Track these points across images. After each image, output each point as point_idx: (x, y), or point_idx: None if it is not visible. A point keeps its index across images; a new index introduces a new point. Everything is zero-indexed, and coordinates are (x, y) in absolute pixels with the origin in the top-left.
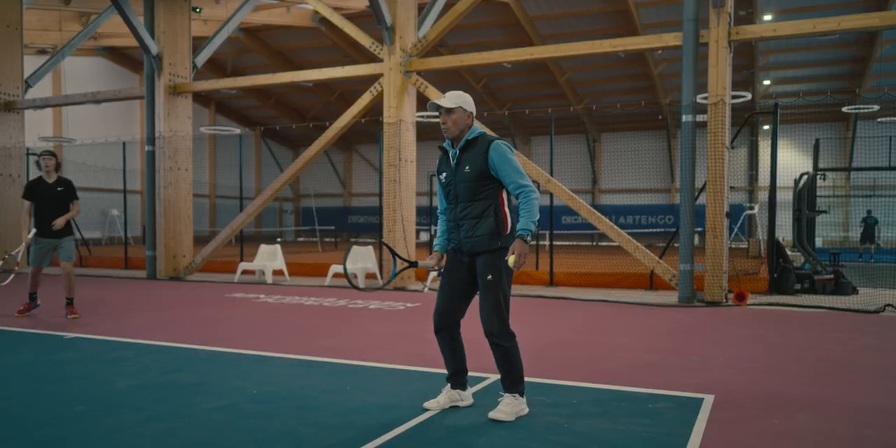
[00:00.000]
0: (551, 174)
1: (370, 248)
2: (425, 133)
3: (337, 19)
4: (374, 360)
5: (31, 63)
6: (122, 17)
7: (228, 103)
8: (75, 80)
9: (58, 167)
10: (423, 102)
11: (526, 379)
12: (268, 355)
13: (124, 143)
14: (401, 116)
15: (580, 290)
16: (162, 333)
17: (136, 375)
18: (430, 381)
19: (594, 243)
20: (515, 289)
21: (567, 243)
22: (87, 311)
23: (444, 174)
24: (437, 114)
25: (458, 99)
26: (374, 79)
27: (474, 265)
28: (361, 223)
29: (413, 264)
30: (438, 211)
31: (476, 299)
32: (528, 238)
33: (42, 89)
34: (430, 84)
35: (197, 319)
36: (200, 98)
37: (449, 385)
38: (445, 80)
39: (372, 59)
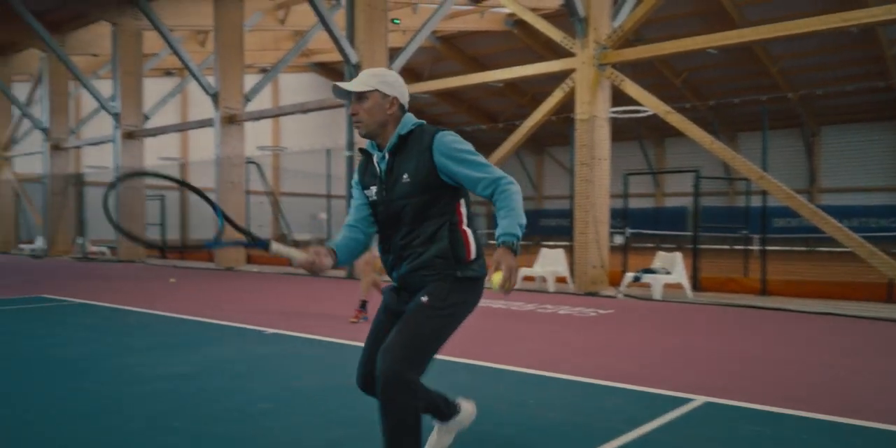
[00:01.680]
0: (764, 170)
1: (561, 250)
2: (621, 131)
3: (529, 16)
4: (561, 372)
5: (251, 81)
6: (325, 28)
7: (423, 110)
8: (291, 95)
9: None
10: (617, 98)
11: (750, 405)
12: (451, 360)
13: (328, 151)
14: (594, 112)
15: (800, 301)
16: (352, 333)
17: (322, 375)
18: (627, 398)
19: (810, 249)
20: (718, 297)
21: (778, 248)
22: (296, 307)
23: (374, 188)
24: (633, 109)
25: (371, 78)
26: (565, 76)
27: (411, 298)
28: (553, 226)
29: (259, 242)
30: (347, 223)
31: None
32: (516, 246)
33: (262, 103)
34: (626, 78)
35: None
36: None
37: (437, 422)
38: (642, 75)
39: (565, 57)
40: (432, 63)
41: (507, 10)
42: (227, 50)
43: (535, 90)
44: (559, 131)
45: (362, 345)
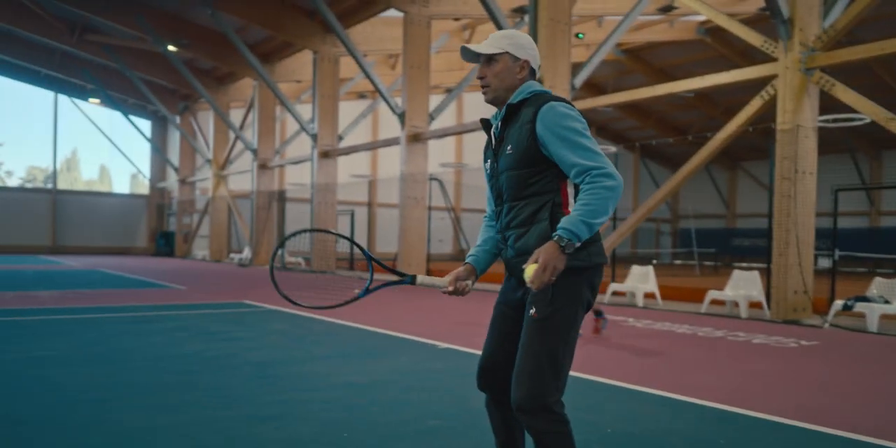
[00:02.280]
0: None
1: (755, 273)
2: (828, 143)
3: (724, 21)
4: (757, 409)
5: (436, 100)
6: None
7: (608, 125)
8: (475, 112)
9: None
10: (826, 105)
11: None
12: (627, 387)
13: None
14: (798, 121)
15: None
16: None
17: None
18: (833, 445)
19: None
20: None
21: None
22: (472, 322)
23: (489, 162)
24: (846, 117)
25: (502, 40)
26: (762, 85)
27: (524, 297)
28: (746, 246)
29: (405, 279)
30: (485, 216)
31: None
32: (568, 245)
33: (446, 121)
34: (837, 82)
35: None
36: None
37: None
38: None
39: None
40: (617, 76)
41: (699, 18)
42: (414, 71)
43: (728, 101)
44: (755, 144)
45: None
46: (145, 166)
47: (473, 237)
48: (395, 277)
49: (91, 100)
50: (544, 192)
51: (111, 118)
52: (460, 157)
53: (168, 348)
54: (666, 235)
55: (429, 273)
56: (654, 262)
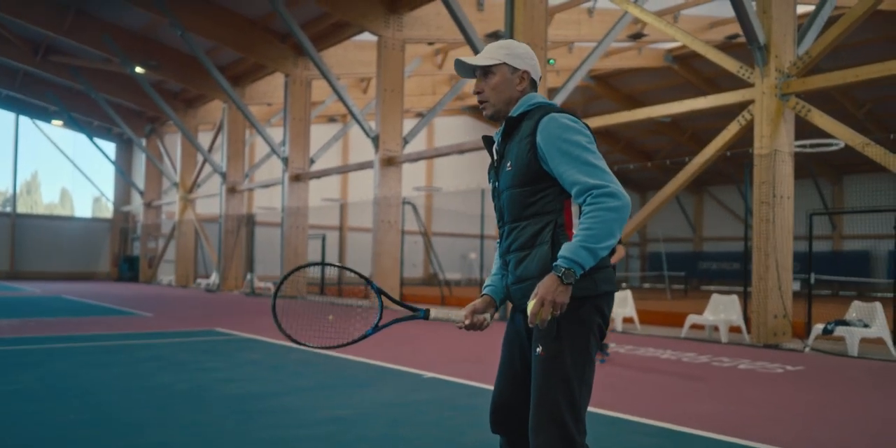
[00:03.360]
0: None
1: (734, 297)
2: (804, 168)
3: (699, 46)
4: (753, 439)
5: (408, 125)
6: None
7: None
8: (445, 137)
9: None
10: (801, 130)
11: None
12: (622, 417)
13: (483, 191)
14: (776, 146)
15: None
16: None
17: (486, 428)
18: None
19: None
20: None
21: None
22: (447, 351)
23: (492, 180)
24: (822, 142)
25: (498, 50)
26: (733, 111)
27: (531, 333)
28: (714, 270)
29: (418, 313)
30: (497, 241)
31: None
32: (567, 274)
33: (417, 146)
34: (813, 108)
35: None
36: None
37: None
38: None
39: (729, 90)
40: (585, 102)
41: (667, 46)
42: (388, 94)
43: (694, 127)
44: (719, 170)
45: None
46: (109, 189)
47: (446, 262)
48: (405, 311)
49: (54, 122)
50: (546, 212)
51: (74, 140)
52: (431, 181)
53: (138, 380)
54: (635, 259)
55: (402, 298)
56: (624, 285)
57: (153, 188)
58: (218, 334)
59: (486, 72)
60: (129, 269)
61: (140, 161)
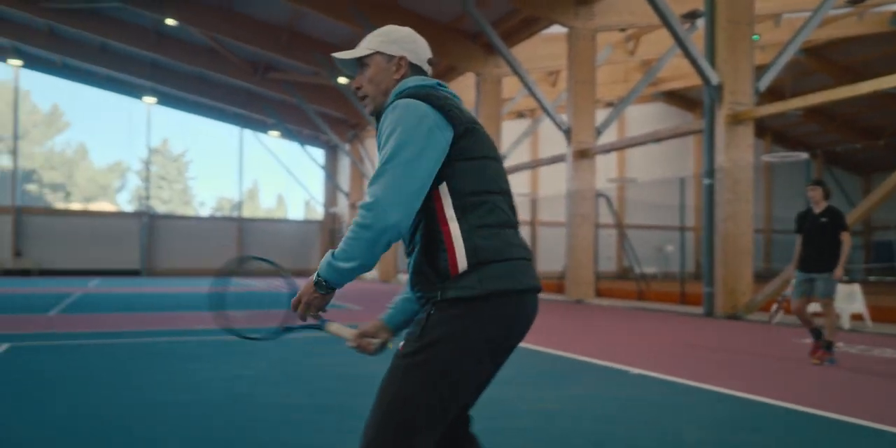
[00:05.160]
0: None
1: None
2: None
3: None
4: None
5: (599, 115)
6: (683, 51)
7: (786, 131)
8: (637, 126)
9: (826, 196)
10: None
11: None
12: (877, 428)
13: (682, 180)
14: None
15: None
16: (726, 379)
17: (703, 428)
18: None
19: None
20: None
21: None
22: (662, 346)
23: None
24: None
25: (372, 39)
26: None
27: None
28: None
29: (319, 322)
30: None
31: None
32: (318, 280)
33: (608, 136)
34: None
35: (764, 366)
36: (756, 129)
37: None
38: None
39: None
40: (795, 78)
41: (893, 8)
42: (580, 86)
43: None
44: None
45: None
46: (318, 193)
47: (641, 255)
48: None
49: (271, 133)
50: (422, 208)
51: (288, 149)
52: (622, 172)
53: (351, 369)
54: (858, 249)
55: (597, 292)
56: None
57: (356, 190)
58: None
59: (362, 64)
60: None
61: (345, 165)
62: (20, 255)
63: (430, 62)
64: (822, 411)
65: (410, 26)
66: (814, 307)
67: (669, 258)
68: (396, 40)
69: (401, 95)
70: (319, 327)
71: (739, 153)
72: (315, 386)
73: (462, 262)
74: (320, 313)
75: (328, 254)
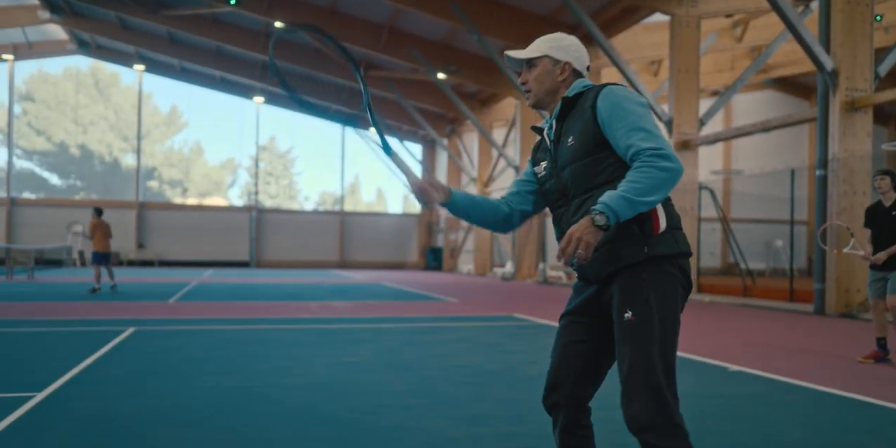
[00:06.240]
0: None
1: None
2: None
3: None
4: None
5: (703, 105)
6: (794, 35)
7: None
8: (744, 115)
9: (895, 187)
10: None
11: None
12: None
13: (793, 171)
14: None
15: None
16: (830, 379)
17: (813, 430)
18: None
19: None
20: None
21: None
22: (761, 342)
23: (543, 163)
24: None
25: (542, 44)
26: None
27: (607, 299)
28: None
29: (386, 149)
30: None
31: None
32: (599, 218)
33: (713, 127)
34: None
35: (875, 368)
36: (878, 116)
37: None
38: None
39: None
40: None
41: None
42: (682, 75)
43: None
44: None
45: (872, 400)
46: None
47: (747, 250)
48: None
49: (371, 129)
50: (614, 179)
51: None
52: (728, 164)
53: (451, 359)
54: None
55: (699, 289)
56: None
57: (454, 183)
58: (516, 320)
59: (530, 64)
60: (433, 258)
61: (442, 159)
62: (143, 246)
63: (587, 69)
64: None
65: (509, 19)
66: None
67: (779, 254)
68: (564, 48)
69: (606, 84)
70: (388, 153)
71: (856, 142)
72: (419, 374)
73: (663, 223)
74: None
75: (614, 193)
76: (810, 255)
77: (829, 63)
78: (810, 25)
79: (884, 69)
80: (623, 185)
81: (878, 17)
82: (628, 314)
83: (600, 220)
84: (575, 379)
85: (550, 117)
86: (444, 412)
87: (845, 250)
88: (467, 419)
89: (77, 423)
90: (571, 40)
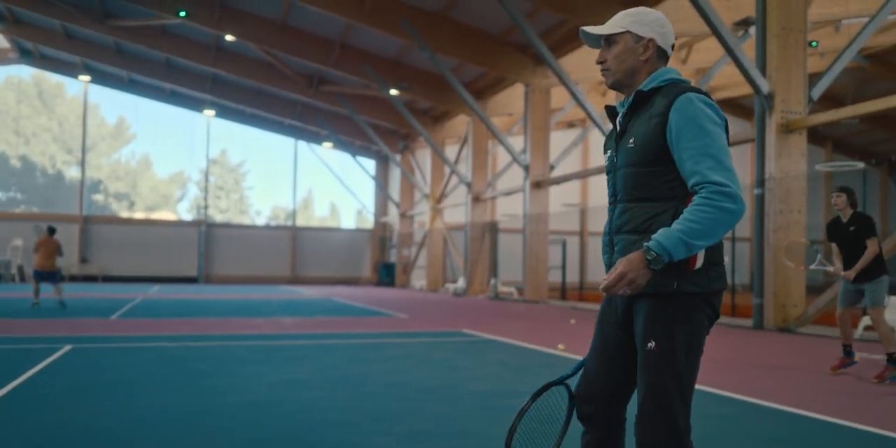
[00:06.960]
0: None
1: None
2: None
3: None
4: None
5: None
6: (733, 59)
7: (848, 140)
8: None
9: (852, 203)
10: None
11: None
12: None
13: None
14: None
15: None
16: (783, 397)
17: (744, 441)
18: None
19: None
20: None
21: None
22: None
23: (609, 152)
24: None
25: (623, 18)
26: None
27: (630, 318)
28: None
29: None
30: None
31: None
32: (656, 260)
33: None
34: None
35: (823, 384)
36: (815, 137)
37: None
38: None
39: None
40: (857, 85)
41: None
42: (537, 133)
43: None
44: None
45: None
46: (369, 202)
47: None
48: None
49: (324, 144)
50: (667, 198)
51: (340, 160)
52: None
53: (395, 375)
54: None
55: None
56: None
57: (407, 199)
58: (464, 335)
59: (609, 41)
60: (386, 274)
61: (395, 175)
62: (86, 261)
63: (672, 47)
64: (871, 427)
65: (460, 38)
66: (866, 321)
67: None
68: (648, 23)
69: (686, 88)
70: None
71: (791, 162)
72: (362, 391)
73: (700, 261)
74: None
75: (671, 232)
76: (752, 271)
77: (765, 86)
78: (748, 50)
79: (817, 93)
80: (681, 224)
81: (814, 44)
82: (651, 344)
83: (656, 263)
84: (608, 385)
85: (625, 102)
86: (385, 428)
87: (812, 266)
88: (407, 435)
89: (2, 444)
90: (657, 15)
